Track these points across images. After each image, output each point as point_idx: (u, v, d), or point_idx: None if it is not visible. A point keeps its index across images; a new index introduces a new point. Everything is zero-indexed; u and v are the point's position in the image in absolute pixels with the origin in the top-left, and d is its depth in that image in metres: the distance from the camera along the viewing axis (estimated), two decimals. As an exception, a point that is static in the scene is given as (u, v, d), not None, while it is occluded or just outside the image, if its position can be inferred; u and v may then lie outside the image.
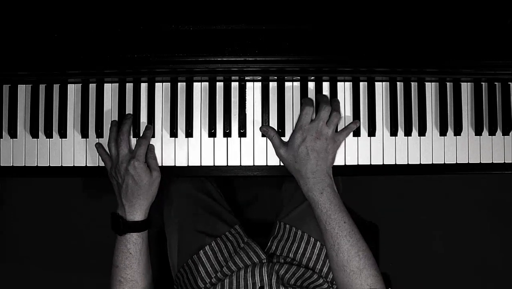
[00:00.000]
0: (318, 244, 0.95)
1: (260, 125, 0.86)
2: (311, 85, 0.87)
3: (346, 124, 0.86)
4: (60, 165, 0.86)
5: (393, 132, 0.87)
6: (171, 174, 0.86)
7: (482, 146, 0.88)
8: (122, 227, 0.78)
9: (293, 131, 0.80)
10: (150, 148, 0.84)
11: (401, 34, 0.81)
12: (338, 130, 0.84)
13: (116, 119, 0.86)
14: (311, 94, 0.86)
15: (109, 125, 0.85)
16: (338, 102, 0.86)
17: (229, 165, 0.86)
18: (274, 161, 0.86)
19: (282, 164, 0.85)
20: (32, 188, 1.59)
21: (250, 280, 0.85)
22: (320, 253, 0.95)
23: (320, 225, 0.77)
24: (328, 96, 0.86)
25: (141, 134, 0.84)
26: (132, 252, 0.78)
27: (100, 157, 0.84)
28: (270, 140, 0.84)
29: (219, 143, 0.86)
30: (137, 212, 0.79)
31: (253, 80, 0.87)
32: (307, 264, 0.94)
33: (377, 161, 0.87)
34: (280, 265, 0.89)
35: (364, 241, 0.75)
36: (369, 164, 0.87)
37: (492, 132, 0.88)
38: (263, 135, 0.86)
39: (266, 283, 0.84)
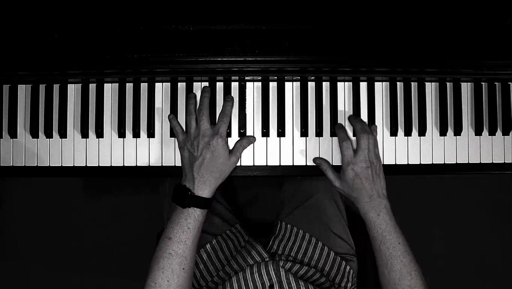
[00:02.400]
0: (320, 243, 0.96)
1: (260, 125, 0.86)
2: (311, 85, 0.87)
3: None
4: (60, 165, 0.86)
5: (393, 132, 0.87)
6: (172, 173, 0.86)
7: (482, 146, 0.88)
8: (188, 200, 0.76)
9: (342, 167, 0.81)
10: (250, 139, 0.85)
11: (401, 34, 0.81)
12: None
13: (117, 119, 0.86)
14: (311, 94, 0.86)
15: (110, 125, 0.85)
16: (364, 122, 0.86)
17: (229, 165, 0.86)
18: (274, 161, 0.86)
19: (282, 164, 0.86)
20: (32, 188, 1.59)
21: (259, 280, 0.85)
22: (321, 252, 0.95)
23: (374, 244, 0.78)
24: (329, 97, 0.87)
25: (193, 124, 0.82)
26: (191, 227, 0.76)
27: (174, 130, 0.84)
28: (323, 171, 0.84)
29: (219, 143, 0.86)
30: (206, 188, 0.77)
31: (253, 80, 0.87)
32: (309, 263, 0.94)
33: (377, 161, 0.87)
34: (285, 262, 0.89)
35: (416, 262, 0.77)
36: (369, 164, 0.87)
37: (492, 132, 0.88)
38: (263, 135, 0.86)
39: (275, 281, 0.84)
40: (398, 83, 0.88)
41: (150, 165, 0.86)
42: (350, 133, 0.85)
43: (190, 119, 0.81)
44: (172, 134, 0.85)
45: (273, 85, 0.87)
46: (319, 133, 0.86)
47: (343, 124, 0.86)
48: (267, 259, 0.92)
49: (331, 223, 0.99)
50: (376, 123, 0.87)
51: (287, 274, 0.85)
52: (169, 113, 0.86)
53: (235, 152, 0.82)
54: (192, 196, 0.76)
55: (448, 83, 0.88)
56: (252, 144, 0.86)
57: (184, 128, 0.85)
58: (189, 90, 0.86)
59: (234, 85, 0.87)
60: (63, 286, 1.59)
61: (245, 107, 0.87)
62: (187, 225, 0.75)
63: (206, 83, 0.86)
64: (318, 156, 0.86)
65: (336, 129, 0.85)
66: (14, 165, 0.86)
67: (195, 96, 0.84)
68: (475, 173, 0.89)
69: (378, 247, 0.77)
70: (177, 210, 0.77)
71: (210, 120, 0.82)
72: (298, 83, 0.87)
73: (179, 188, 0.78)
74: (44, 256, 1.59)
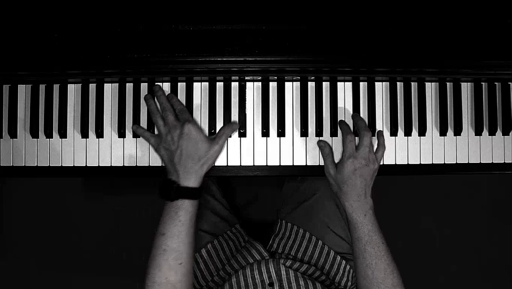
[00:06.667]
0: (320, 242, 0.96)
1: (260, 125, 0.86)
2: (311, 85, 0.87)
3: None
4: (60, 165, 0.86)
5: (393, 133, 0.87)
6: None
7: (482, 146, 0.88)
8: (175, 192, 0.75)
9: (342, 159, 0.80)
10: (233, 126, 0.84)
11: (401, 34, 0.81)
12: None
13: (117, 119, 0.86)
14: (311, 94, 0.86)
15: (110, 125, 0.86)
16: (363, 119, 0.86)
17: (229, 165, 0.86)
18: (274, 161, 0.86)
19: (282, 164, 0.86)
20: (32, 188, 1.59)
21: (258, 278, 0.85)
22: (321, 251, 0.95)
23: (358, 244, 0.79)
24: (329, 97, 0.87)
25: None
26: (182, 220, 0.74)
27: (143, 137, 0.83)
28: (322, 156, 0.84)
29: (219, 143, 0.86)
30: (192, 178, 0.76)
31: (253, 80, 0.87)
32: (308, 261, 0.94)
33: (377, 161, 0.87)
34: (285, 260, 0.90)
35: (395, 263, 0.79)
36: (369, 164, 0.87)
37: (492, 132, 0.88)
38: (263, 135, 0.86)
39: (275, 279, 0.84)
40: (398, 83, 0.88)
41: (150, 165, 0.86)
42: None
43: (156, 119, 0.80)
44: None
45: (273, 85, 0.87)
46: (319, 133, 0.86)
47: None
48: (267, 257, 0.92)
49: (331, 222, 0.99)
50: (376, 123, 0.87)
51: (287, 272, 0.85)
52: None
53: (217, 139, 0.80)
54: (178, 187, 0.75)
55: (448, 83, 0.88)
56: (253, 144, 0.86)
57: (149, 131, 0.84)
58: (189, 90, 0.86)
59: (234, 85, 0.87)
60: (63, 286, 1.59)
61: (245, 107, 0.87)
62: (178, 218, 0.74)
63: (206, 83, 0.86)
64: (318, 156, 0.86)
65: (340, 124, 0.85)
66: (14, 165, 0.86)
67: (151, 97, 0.84)
68: (475, 173, 0.89)
69: (363, 247, 0.78)
70: (167, 204, 0.75)
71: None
72: (298, 83, 0.87)
73: (164, 182, 0.77)
74: (44, 256, 1.59)
